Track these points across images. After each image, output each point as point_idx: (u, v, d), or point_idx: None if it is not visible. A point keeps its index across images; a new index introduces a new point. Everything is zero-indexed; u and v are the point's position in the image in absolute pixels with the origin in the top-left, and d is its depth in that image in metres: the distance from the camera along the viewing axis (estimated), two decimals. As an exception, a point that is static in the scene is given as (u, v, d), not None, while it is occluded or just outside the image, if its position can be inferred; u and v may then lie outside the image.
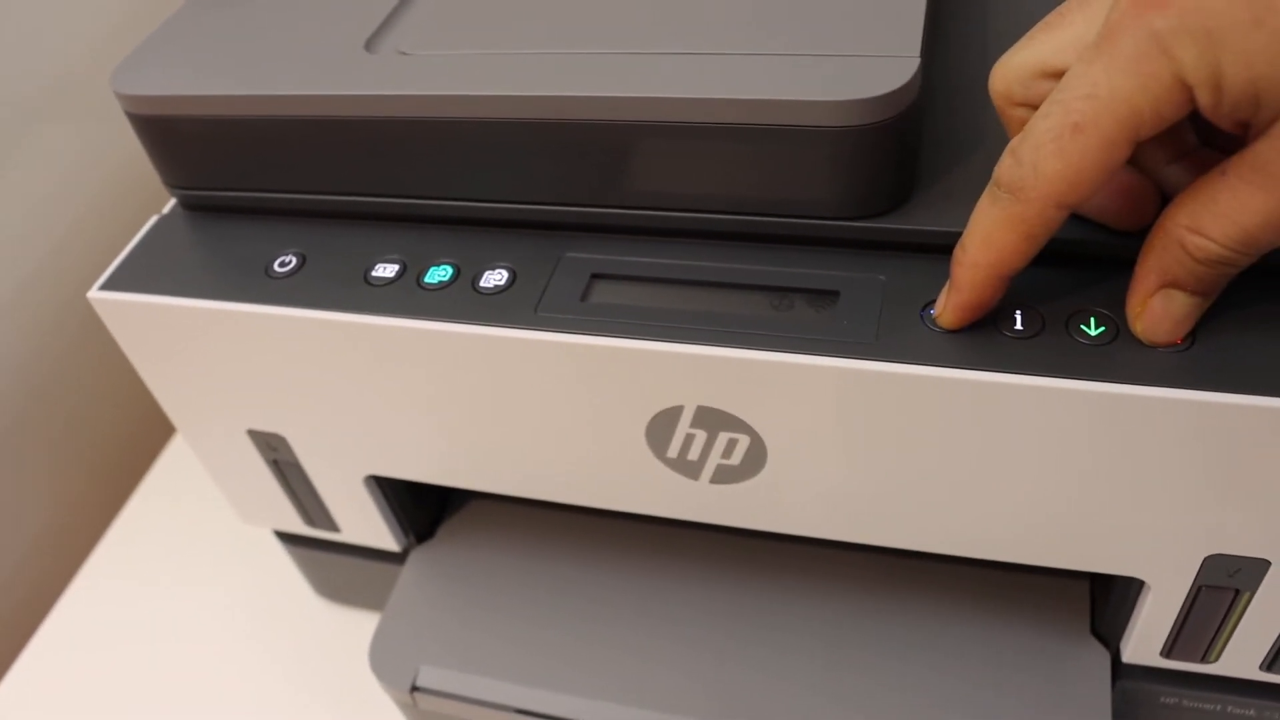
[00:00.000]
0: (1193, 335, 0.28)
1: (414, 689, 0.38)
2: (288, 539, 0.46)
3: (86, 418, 0.63)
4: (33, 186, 0.57)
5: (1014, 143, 0.26)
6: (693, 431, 0.32)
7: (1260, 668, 0.33)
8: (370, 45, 0.34)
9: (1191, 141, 0.29)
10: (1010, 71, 0.28)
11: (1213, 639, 0.33)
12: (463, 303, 0.32)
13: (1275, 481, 0.28)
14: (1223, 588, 0.31)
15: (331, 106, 0.32)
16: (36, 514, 0.60)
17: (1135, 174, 0.28)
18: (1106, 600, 0.36)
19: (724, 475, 0.33)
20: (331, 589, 0.49)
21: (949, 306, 0.28)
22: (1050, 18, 0.28)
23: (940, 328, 0.29)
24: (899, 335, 0.29)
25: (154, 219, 0.38)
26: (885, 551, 0.38)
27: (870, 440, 0.30)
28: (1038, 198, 0.25)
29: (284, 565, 0.51)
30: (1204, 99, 0.23)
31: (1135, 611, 0.34)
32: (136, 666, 0.50)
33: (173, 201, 0.38)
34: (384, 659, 0.39)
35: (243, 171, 0.35)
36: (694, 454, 0.32)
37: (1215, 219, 0.25)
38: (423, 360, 0.33)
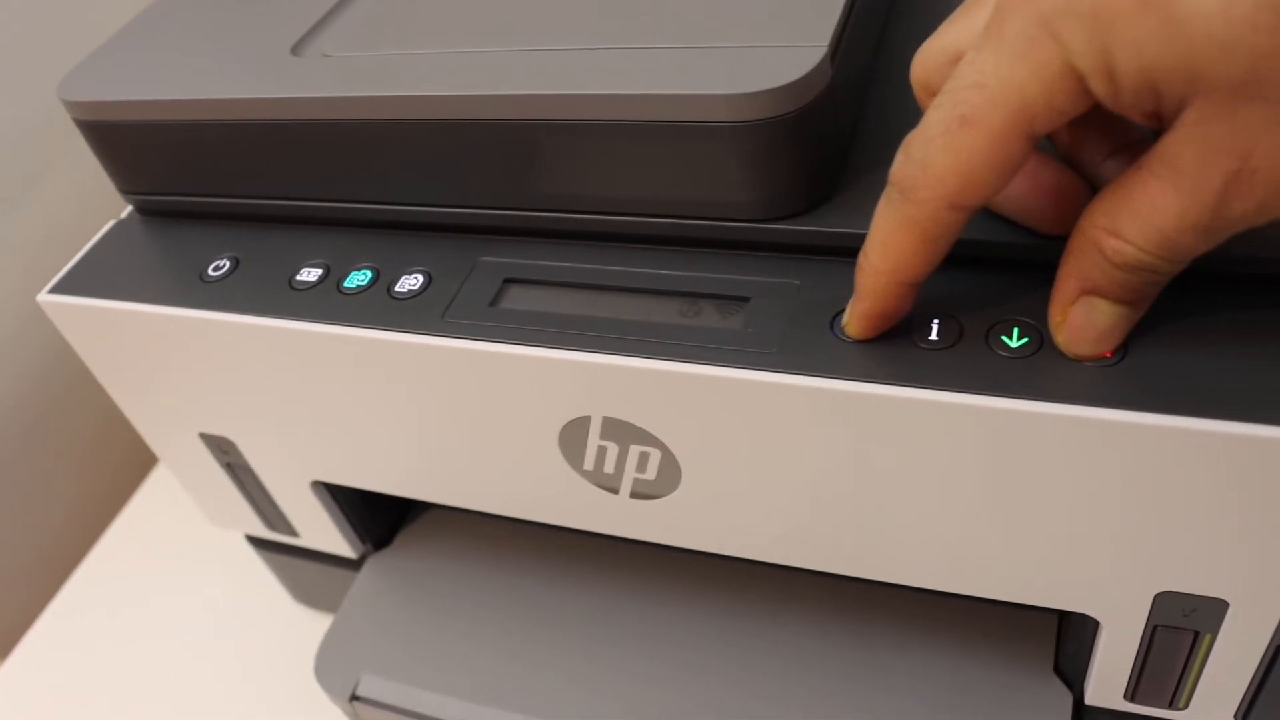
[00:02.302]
0: (1124, 348, 0.25)
1: (353, 698, 0.38)
2: (257, 543, 0.46)
3: (103, 419, 0.65)
4: (63, 198, 0.59)
5: (907, 138, 0.24)
6: (604, 444, 0.30)
7: (1235, 717, 0.30)
8: (296, 49, 0.34)
9: (1135, 135, 0.26)
10: (928, 59, 0.26)
11: (1178, 683, 0.30)
12: (375, 307, 0.31)
13: (1220, 514, 0.25)
14: (1180, 628, 0.28)
15: (250, 110, 0.32)
16: (57, 505, 0.62)
17: (1063, 171, 0.26)
18: (1068, 637, 0.33)
19: (642, 490, 0.31)
20: (306, 594, 0.49)
21: (854, 315, 0.26)
22: (969, 0, 0.26)
23: (849, 337, 0.27)
24: (803, 345, 0.27)
25: (110, 224, 0.38)
26: (849, 577, 0.36)
27: (778, 457, 0.28)
28: (930, 198, 0.23)
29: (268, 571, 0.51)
30: (1099, 88, 0.21)
31: (1093, 650, 0.31)
32: (119, 668, 0.51)
33: (130, 207, 0.39)
34: (328, 666, 0.39)
35: (182, 176, 0.36)
36: (609, 467, 0.31)
37: (1132, 220, 0.22)
38: (338, 365, 0.32)
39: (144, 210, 0.38)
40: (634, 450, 0.30)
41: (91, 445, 0.64)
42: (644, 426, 0.29)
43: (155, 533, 0.57)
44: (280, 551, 0.46)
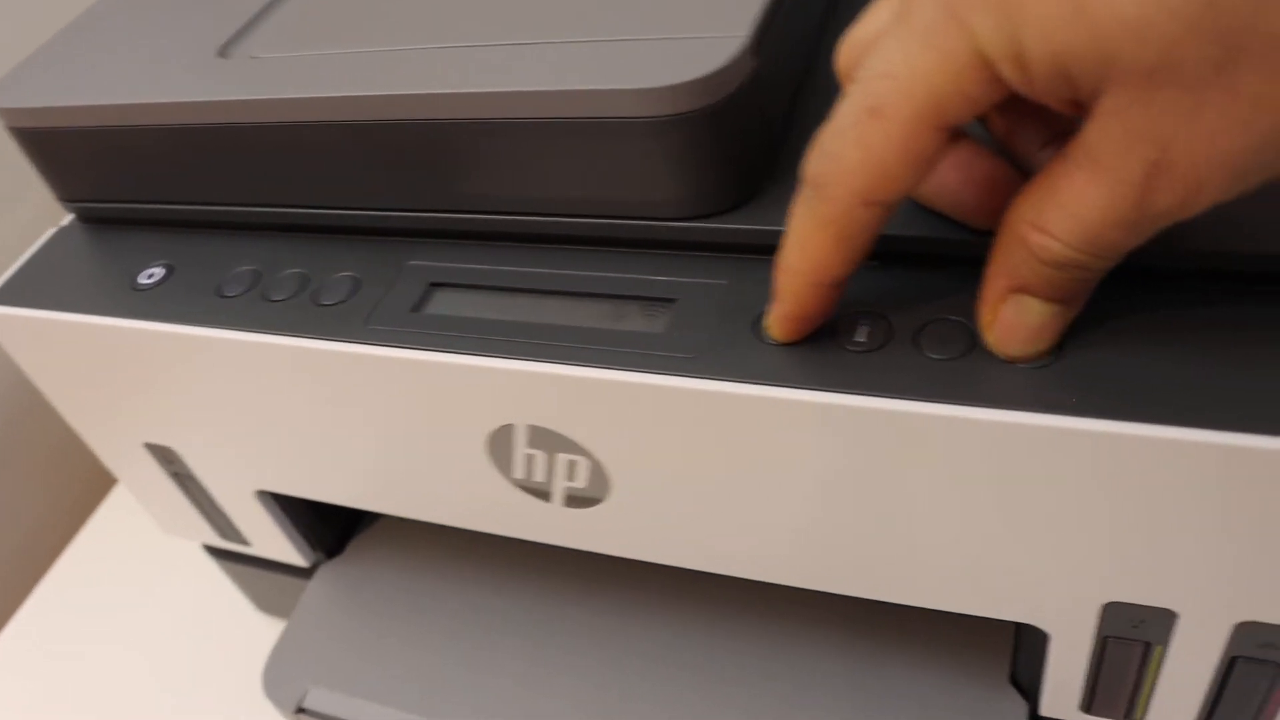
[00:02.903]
0: (1059, 349, 0.24)
1: (299, 710, 0.37)
2: (213, 552, 0.46)
3: (69, 429, 0.64)
4: (45, 205, 0.58)
5: (820, 131, 0.22)
6: (531, 452, 0.29)
7: (1195, 730, 0.29)
8: (224, 51, 0.33)
9: (1071, 122, 0.25)
10: (850, 48, 0.25)
11: (1132, 695, 0.29)
12: (300, 315, 0.30)
13: (1163, 522, 0.24)
14: (1129, 639, 0.27)
15: (176, 114, 0.31)
16: (24, 514, 0.62)
17: (996, 162, 0.25)
18: (1024, 647, 0.32)
19: (574, 499, 0.30)
20: (266, 603, 0.49)
21: (775, 318, 0.25)
22: (891, -15, 0.24)
23: (773, 340, 0.25)
24: (725, 348, 0.26)
25: (51, 231, 0.38)
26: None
27: (704, 464, 0.27)
28: (843, 194, 0.22)
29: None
30: (1010, 75, 0.20)
31: (1045, 661, 0.30)
32: (83, 678, 0.50)
33: (71, 215, 0.38)
34: (276, 678, 0.38)
35: (116, 182, 0.35)
36: (539, 475, 0.30)
37: (1057, 213, 0.21)
38: (266, 374, 0.31)
39: (84, 218, 0.37)
40: (561, 458, 0.29)
41: (59, 455, 0.64)
42: (567, 434, 0.28)
43: (123, 542, 0.56)
44: (236, 561, 0.45)
